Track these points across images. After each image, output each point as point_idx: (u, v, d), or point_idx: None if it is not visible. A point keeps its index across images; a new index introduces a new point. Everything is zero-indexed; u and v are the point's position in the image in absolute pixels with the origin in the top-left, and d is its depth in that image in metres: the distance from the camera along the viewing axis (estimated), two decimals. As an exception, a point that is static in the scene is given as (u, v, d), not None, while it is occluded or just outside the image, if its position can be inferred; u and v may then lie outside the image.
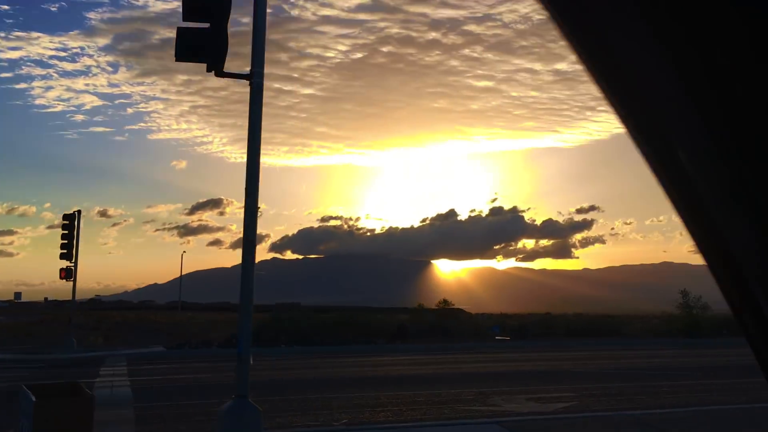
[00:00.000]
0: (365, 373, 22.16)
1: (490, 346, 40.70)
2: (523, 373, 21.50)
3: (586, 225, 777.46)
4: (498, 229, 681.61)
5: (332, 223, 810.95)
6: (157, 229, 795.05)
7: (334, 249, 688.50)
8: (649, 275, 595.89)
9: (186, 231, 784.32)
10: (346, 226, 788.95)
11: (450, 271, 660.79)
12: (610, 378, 20.25)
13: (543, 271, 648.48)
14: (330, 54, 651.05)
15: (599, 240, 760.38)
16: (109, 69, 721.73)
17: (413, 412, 13.44)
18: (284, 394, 15.82)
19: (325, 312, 69.15)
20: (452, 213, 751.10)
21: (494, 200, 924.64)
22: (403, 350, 36.25)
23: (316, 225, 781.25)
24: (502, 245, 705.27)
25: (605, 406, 14.02)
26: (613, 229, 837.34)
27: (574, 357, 30.44)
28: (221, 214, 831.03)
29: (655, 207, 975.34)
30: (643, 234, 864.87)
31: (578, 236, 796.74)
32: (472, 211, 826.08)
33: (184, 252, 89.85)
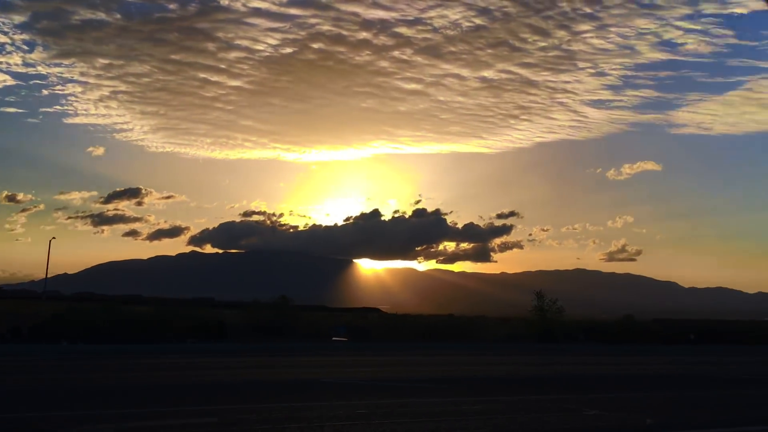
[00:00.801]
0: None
1: (310, 347, 36.73)
2: (228, 386, 17.33)
3: (506, 230, 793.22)
4: (420, 231, 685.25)
5: (255, 218, 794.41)
6: (69, 217, 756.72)
7: (256, 244, 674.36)
8: (563, 281, 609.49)
9: (100, 220, 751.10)
10: (269, 222, 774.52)
11: (371, 271, 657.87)
12: (329, 393, 16.19)
13: (462, 274, 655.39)
14: (259, 47, 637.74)
15: (517, 245, 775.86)
16: (25, 48, 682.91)
17: None
18: None
19: (235, 308, 63.75)
20: (376, 213, 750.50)
21: (418, 202, 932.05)
22: (192, 351, 31.74)
23: (238, 219, 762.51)
24: (424, 247, 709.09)
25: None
26: (530, 234, 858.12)
27: (379, 363, 26.79)
28: (139, 204, 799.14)
29: (570, 215, 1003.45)
30: (559, 241, 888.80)
31: (498, 241, 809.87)
32: (395, 212, 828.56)
33: (53, 239, 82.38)
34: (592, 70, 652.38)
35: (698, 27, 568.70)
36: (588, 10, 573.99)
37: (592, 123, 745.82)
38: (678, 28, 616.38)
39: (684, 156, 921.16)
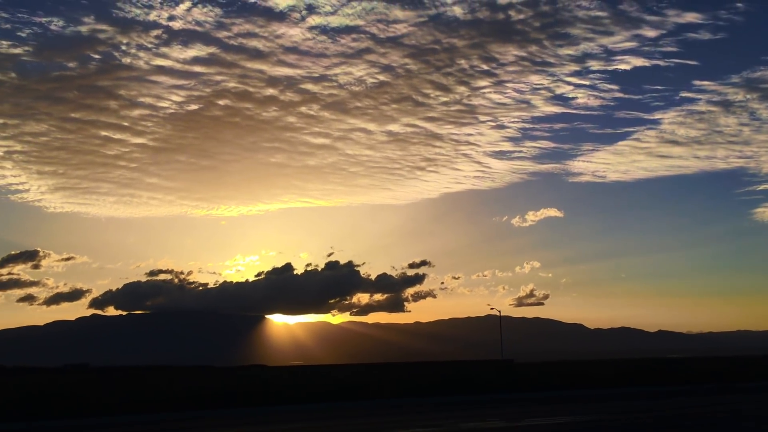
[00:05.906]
0: None
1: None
2: None
3: (418, 279, 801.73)
4: (333, 284, 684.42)
5: (162, 276, 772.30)
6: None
7: (163, 304, 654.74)
8: (476, 328, 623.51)
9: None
10: (176, 280, 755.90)
11: (284, 325, 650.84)
12: None
13: (377, 325, 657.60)
14: (164, 104, 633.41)
15: (430, 294, 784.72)
16: None
17: None
18: None
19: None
20: (288, 267, 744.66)
21: (330, 255, 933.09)
22: None
23: (143, 279, 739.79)
24: (337, 299, 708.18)
25: None
26: (443, 283, 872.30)
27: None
28: (36, 267, 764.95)
29: (480, 262, 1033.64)
30: (470, 288, 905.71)
31: (410, 290, 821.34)
32: (308, 265, 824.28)
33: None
34: (493, 123, 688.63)
35: (587, 82, 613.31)
36: (485, 67, 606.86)
37: (495, 173, 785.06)
38: (568, 83, 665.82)
39: (582, 202, 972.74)
